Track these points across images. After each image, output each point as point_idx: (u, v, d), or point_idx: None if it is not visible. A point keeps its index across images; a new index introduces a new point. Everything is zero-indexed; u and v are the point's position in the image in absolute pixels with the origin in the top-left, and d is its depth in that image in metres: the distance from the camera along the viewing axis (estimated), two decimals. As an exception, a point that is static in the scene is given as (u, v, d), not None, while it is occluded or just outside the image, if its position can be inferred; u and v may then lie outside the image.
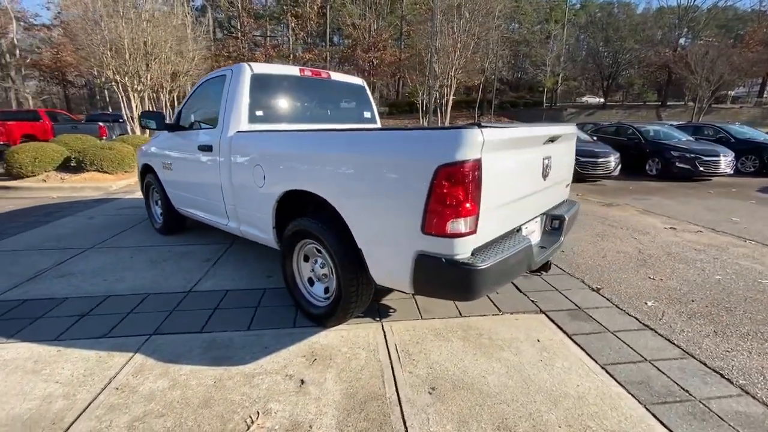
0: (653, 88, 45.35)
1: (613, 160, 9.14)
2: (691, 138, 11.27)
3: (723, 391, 1.94)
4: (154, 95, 13.95)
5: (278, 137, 2.68)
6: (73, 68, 26.28)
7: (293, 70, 3.32)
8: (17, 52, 29.92)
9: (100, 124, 13.62)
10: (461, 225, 1.69)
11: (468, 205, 1.68)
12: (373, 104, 4.07)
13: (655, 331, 2.51)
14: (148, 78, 12.58)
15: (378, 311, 2.70)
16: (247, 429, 1.67)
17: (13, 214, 5.54)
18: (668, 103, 38.46)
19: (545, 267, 2.59)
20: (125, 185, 7.85)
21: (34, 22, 31.88)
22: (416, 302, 2.82)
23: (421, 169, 1.70)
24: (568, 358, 2.20)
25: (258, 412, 1.76)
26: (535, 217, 2.42)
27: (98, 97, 39.41)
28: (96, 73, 13.65)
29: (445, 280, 1.78)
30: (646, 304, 2.91)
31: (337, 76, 3.72)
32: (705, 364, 2.17)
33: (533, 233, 2.45)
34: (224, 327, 2.48)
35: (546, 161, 2.24)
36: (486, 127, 1.66)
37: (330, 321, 2.41)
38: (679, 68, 29.70)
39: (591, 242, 4.44)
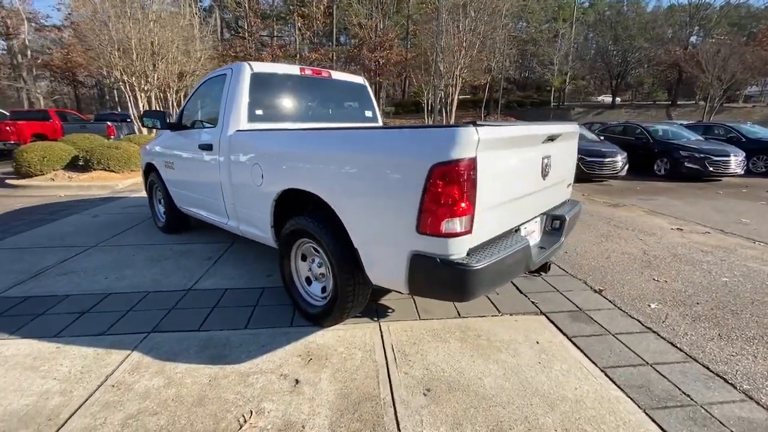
0: (663, 87, 44.74)
1: (620, 160, 9.02)
2: (700, 137, 11.09)
3: (726, 396, 1.90)
4: (162, 95, 14.07)
5: (276, 136, 2.67)
6: (83, 69, 26.62)
7: (293, 69, 3.32)
8: (29, 52, 30.43)
9: (108, 123, 13.78)
10: (456, 225, 1.67)
11: (463, 204, 1.65)
12: (375, 103, 4.05)
13: (658, 334, 2.47)
14: (155, 78, 12.70)
15: (376, 311, 2.68)
16: (240, 428, 1.67)
17: (21, 212, 5.62)
18: (678, 103, 37.93)
19: (545, 268, 2.55)
20: (131, 184, 7.93)
21: (45, 23, 32.37)
22: (415, 302, 2.80)
23: (415, 168, 1.68)
24: (567, 361, 2.16)
25: (251, 412, 1.76)
26: (535, 217, 2.38)
27: (108, 97, 39.94)
28: (105, 74, 13.80)
29: (440, 280, 1.76)
30: (649, 306, 2.86)
31: (338, 75, 3.71)
32: (708, 368, 2.12)
33: (533, 233, 2.41)
34: (222, 325, 2.49)
35: (545, 160, 2.20)
36: (481, 125, 1.63)
37: (327, 321, 2.40)
38: (690, 67, 29.26)
39: (595, 243, 4.38)
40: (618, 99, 41.87)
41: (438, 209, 1.65)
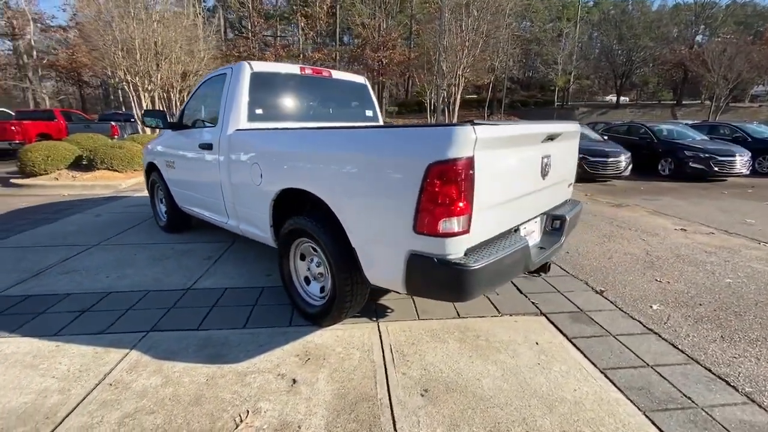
0: (668, 87, 44.42)
1: (623, 160, 8.96)
2: (705, 137, 11.00)
3: (727, 399, 1.87)
4: (165, 95, 14.14)
5: (274, 135, 2.67)
6: (87, 69, 26.81)
7: (293, 69, 3.31)
8: (34, 53, 30.67)
9: (112, 123, 13.87)
10: (453, 224, 1.66)
11: (460, 204, 1.64)
12: (376, 103, 4.04)
13: (659, 336, 2.44)
14: (158, 78, 12.76)
15: (375, 311, 2.67)
16: (236, 428, 1.66)
17: (25, 211, 5.66)
18: (684, 102, 37.69)
19: (544, 268, 2.53)
20: (134, 183, 7.96)
21: (51, 23, 32.61)
22: (414, 303, 2.79)
23: (412, 167, 1.67)
24: (566, 362, 2.15)
25: (248, 411, 1.75)
26: (535, 217, 2.37)
27: (112, 97, 40.17)
28: (110, 74, 13.89)
29: (438, 280, 1.75)
30: (651, 307, 2.83)
31: (338, 75, 3.71)
32: (710, 371, 2.09)
33: (533, 233, 2.40)
34: (221, 325, 2.49)
35: (545, 160, 2.19)
36: (479, 124, 1.62)
37: (325, 320, 2.40)
38: (696, 66, 29.06)
39: (597, 243, 4.35)
40: (627, 98, 41.64)
41: (435, 209, 1.64)
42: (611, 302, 2.90)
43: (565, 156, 2.54)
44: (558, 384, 1.96)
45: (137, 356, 2.15)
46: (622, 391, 1.91)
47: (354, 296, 2.24)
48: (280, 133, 2.66)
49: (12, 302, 2.77)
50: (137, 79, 12.41)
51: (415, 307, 2.74)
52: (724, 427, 1.69)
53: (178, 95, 14.55)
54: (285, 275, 2.63)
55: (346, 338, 2.34)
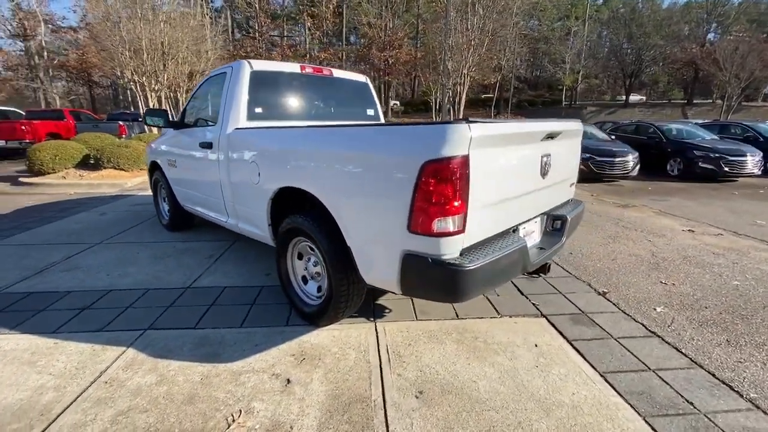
0: (679, 86, 43.80)
1: (631, 160, 8.83)
2: (716, 137, 10.80)
3: (731, 405, 1.82)
4: (172, 95, 14.26)
5: (271, 134, 2.66)
6: (97, 69, 27.16)
7: (294, 67, 3.30)
8: (45, 53, 31.15)
9: (120, 123, 14.00)
10: (448, 224, 1.63)
11: (456, 203, 1.61)
12: (377, 101, 4.02)
13: (662, 339, 2.39)
14: (165, 78, 12.87)
15: (373, 311, 2.65)
16: (228, 427, 1.65)
17: (31, 209, 5.73)
18: (695, 101, 37.13)
19: (544, 269, 2.49)
20: (140, 182, 8.03)
21: (62, 24, 33.11)
22: (412, 303, 2.76)
23: (406, 165, 1.65)
24: (565, 365, 2.11)
25: (240, 411, 1.74)
26: (535, 217, 2.33)
27: (121, 97, 40.66)
28: (119, 74, 14.05)
29: (432, 280, 1.72)
30: (654, 309, 2.78)
31: (339, 73, 3.69)
32: (714, 375, 2.04)
33: (533, 234, 2.36)
34: (218, 323, 2.48)
35: (545, 159, 2.14)
36: (475, 122, 1.59)
37: (322, 320, 2.38)
38: (707, 65, 28.63)
39: (601, 244, 4.28)
40: (644, 97, 41.09)
41: (429, 208, 1.61)
42: (614, 304, 2.85)
43: (567, 155, 2.50)
44: (556, 387, 1.92)
45: (134, 354, 2.16)
46: (621, 396, 1.87)
47: (350, 296, 2.22)
48: (277, 131, 2.65)
49: (14, 299, 2.80)
50: (144, 79, 12.54)
51: (414, 307, 2.71)
52: (726, 434, 1.64)
53: (184, 95, 14.66)
54: (282, 274, 2.62)
55: (343, 338, 2.33)
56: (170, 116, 3.87)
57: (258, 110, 3.02)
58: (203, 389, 1.88)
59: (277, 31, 38.33)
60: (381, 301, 2.80)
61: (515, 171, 1.96)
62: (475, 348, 2.25)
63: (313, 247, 2.31)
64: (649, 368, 2.08)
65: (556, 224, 2.48)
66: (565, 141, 2.38)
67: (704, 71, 30.62)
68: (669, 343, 2.34)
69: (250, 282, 3.11)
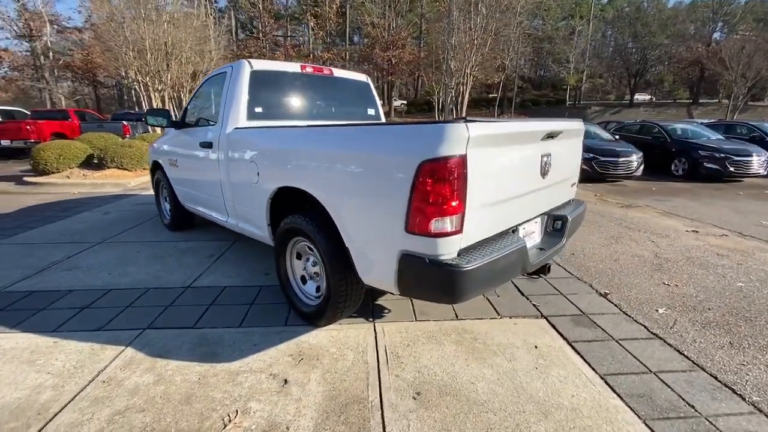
0: (685, 85, 43.46)
1: (635, 160, 8.77)
2: (721, 137, 10.69)
3: (733, 408, 1.79)
4: (175, 94, 14.32)
5: (269, 134, 2.66)
6: (102, 69, 27.33)
7: (294, 67, 3.30)
8: (51, 54, 31.39)
9: (124, 122, 14.07)
10: (446, 224, 1.61)
11: (453, 203, 1.60)
12: (378, 101, 4.01)
13: (664, 341, 2.36)
14: (168, 78, 12.93)
15: (372, 312, 2.64)
16: (224, 428, 1.65)
17: (35, 208, 5.77)
18: (700, 101, 36.83)
19: (544, 270, 2.46)
20: (143, 182, 8.06)
21: (67, 25, 33.36)
22: (412, 303, 2.75)
23: (403, 165, 1.64)
24: (565, 367, 2.09)
25: (237, 411, 1.74)
26: (535, 217, 2.31)
27: (126, 98, 40.91)
28: (123, 74, 14.13)
29: (429, 281, 1.71)
30: (657, 311, 2.75)
31: (340, 73, 3.68)
32: (716, 378, 2.01)
33: (533, 234, 2.34)
34: (217, 323, 2.48)
35: (545, 158, 2.12)
36: (472, 121, 1.58)
37: (321, 320, 2.37)
38: (713, 64, 28.40)
39: (604, 245, 4.24)
40: (653, 97, 40.82)
41: (427, 208, 1.60)
42: (615, 305, 2.82)
43: (568, 155, 2.47)
44: (555, 389, 1.90)
45: (132, 353, 2.16)
46: (622, 398, 1.85)
47: (348, 296, 2.21)
48: (275, 131, 2.65)
49: (15, 298, 2.81)
50: (148, 79, 12.60)
51: (413, 308, 2.70)
52: (728, 438, 1.62)
53: (187, 95, 14.72)
54: (282, 274, 2.62)
55: (341, 339, 2.32)
56: (172, 116, 3.88)
57: (258, 110, 3.02)
58: (200, 389, 1.88)
59: (280, 31, 38.42)
60: (380, 301, 2.79)
61: (514, 171, 1.94)
62: (474, 349, 2.24)
63: (312, 247, 2.31)
64: (650, 370, 2.06)
65: (556, 224, 2.45)
66: (565, 141, 2.36)
67: (710, 71, 30.39)
68: (671, 345, 2.31)
69: (249, 282, 3.11)
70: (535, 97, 42.66)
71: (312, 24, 36.07)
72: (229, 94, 2.98)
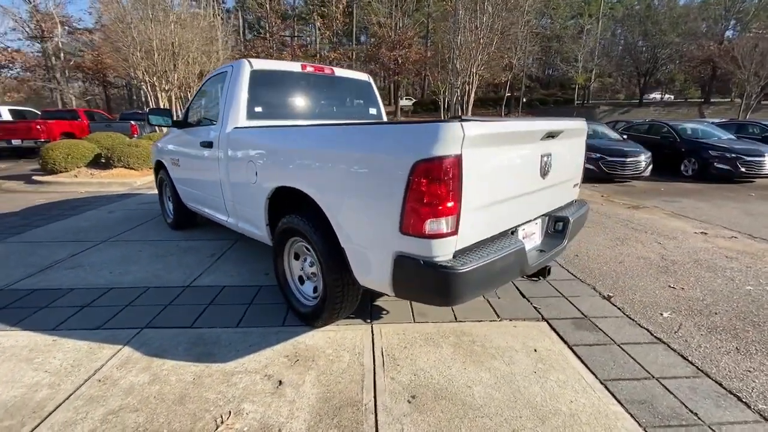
0: (696, 84, 42.76)
1: (643, 160, 8.63)
2: (732, 136, 10.49)
3: (737, 416, 1.74)
4: (182, 94, 14.43)
5: (267, 133, 2.65)
6: (112, 70, 27.68)
7: (295, 66, 3.29)
8: (62, 54, 31.86)
9: (132, 122, 14.23)
10: (440, 225, 1.59)
11: (448, 204, 1.57)
12: (379, 100, 3.98)
13: (668, 345, 2.30)
14: (175, 78, 13.04)
15: (370, 313, 2.62)
16: (216, 429, 1.64)
17: (42, 207, 5.84)
18: (712, 100, 36.22)
19: (544, 272, 2.42)
20: (149, 181, 8.13)
21: (78, 26, 33.84)
22: (410, 305, 2.72)
23: (397, 165, 1.61)
24: (565, 371, 2.04)
25: (230, 412, 1.73)
26: (535, 218, 2.26)
27: (135, 98, 41.39)
28: (132, 74, 14.28)
29: (424, 282, 1.68)
30: (661, 314, 2.69)
31: (341, 72, 3.66)
32: (721, 385, 1.96)
33: (533, 236, 2.30)
34: (214, 323, 2.48)
35: (545, 158, 2.08)
36: (468, 120, 1.55)
37: (318, 321, 2.35)
38: (725, 62, 27.92)
39: (609, 246, 4.17)
40: (671, 96, 40.25)
41: (421, 208, 1.57)
42: (619, 308, 2.76)
43: (569, 155, 2.42)
44: (554, 394, 1.86)
45: (129, 353, 2.16)
46: (622, 405, 1.80)
47: (345, 297, 2.19)
48: (272, 130, 2.64)
49: (18, 296, 2.84)
50: (155, 79, 12.71)
51: (412, 309, 2.67)
52: (731, 448, 1.57)
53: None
54: (279, 274, 2.61)
55: (338, 340, 2.30)
56: (175, 115, 3.90)
57: (258, 109, 3.01)
58: (195, 389, 1.87)
59: (287, 31, 38.60)
60: (379, 302, 2.77)
61: (512, 171, 1.90)
62: (471, 352, 2.20)
63: (309, 247, 2.29)
64: (653, 376, 2.01)
65: (557, 226, 2.41)
66: (567, 140, 2.31)
67: (722, 69, 29.87)
68: (675, 350, 2.25)
69: (249, 281, 3.11)
70: (543, 96, 42.31)
71: (319, 24, 36.18)
72: (229, 94, 2.98)
